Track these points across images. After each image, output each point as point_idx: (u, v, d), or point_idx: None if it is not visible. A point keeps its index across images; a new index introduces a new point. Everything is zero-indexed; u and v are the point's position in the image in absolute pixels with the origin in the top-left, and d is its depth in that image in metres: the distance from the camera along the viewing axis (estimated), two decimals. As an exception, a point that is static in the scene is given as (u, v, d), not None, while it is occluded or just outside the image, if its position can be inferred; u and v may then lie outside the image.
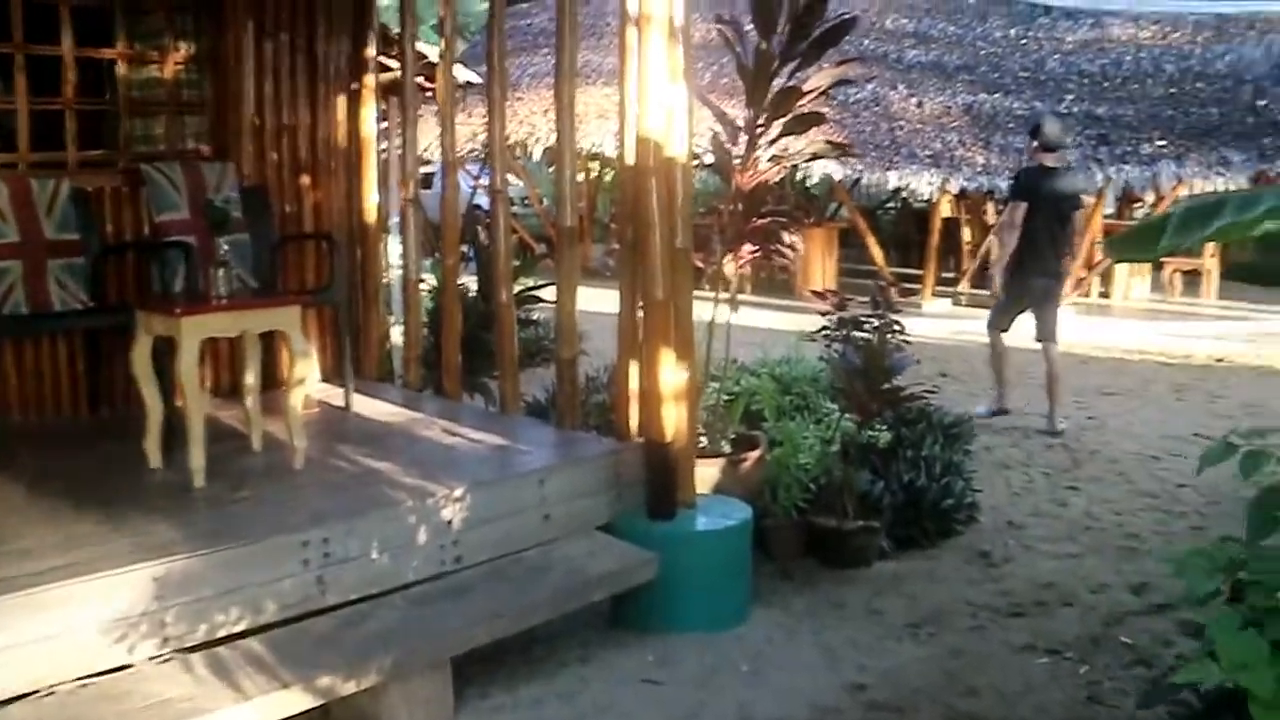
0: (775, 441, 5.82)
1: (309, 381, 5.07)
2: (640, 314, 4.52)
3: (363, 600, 3.77)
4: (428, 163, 16.78)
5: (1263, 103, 12.71)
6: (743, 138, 5.39)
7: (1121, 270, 14.73)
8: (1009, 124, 13.00)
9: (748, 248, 5.58)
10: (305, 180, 6.31)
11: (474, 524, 4.06)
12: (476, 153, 14.07)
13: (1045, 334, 8.15)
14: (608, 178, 18.88)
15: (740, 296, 6.56)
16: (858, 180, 15.22)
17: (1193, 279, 15.12)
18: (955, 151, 12.55)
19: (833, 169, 12.51)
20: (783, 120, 5.31)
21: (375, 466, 4.61)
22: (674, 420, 4.43)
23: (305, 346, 4.63)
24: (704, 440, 5.44)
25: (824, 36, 5.20)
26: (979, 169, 12.23)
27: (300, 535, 3.65)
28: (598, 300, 6.29)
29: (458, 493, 4.04)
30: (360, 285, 6.53)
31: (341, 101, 6.40)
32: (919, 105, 13.52)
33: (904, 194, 14.75)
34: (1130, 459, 7.27)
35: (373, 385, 6.34)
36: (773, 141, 5.41)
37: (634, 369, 4.58)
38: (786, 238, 5.62)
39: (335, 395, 5.98)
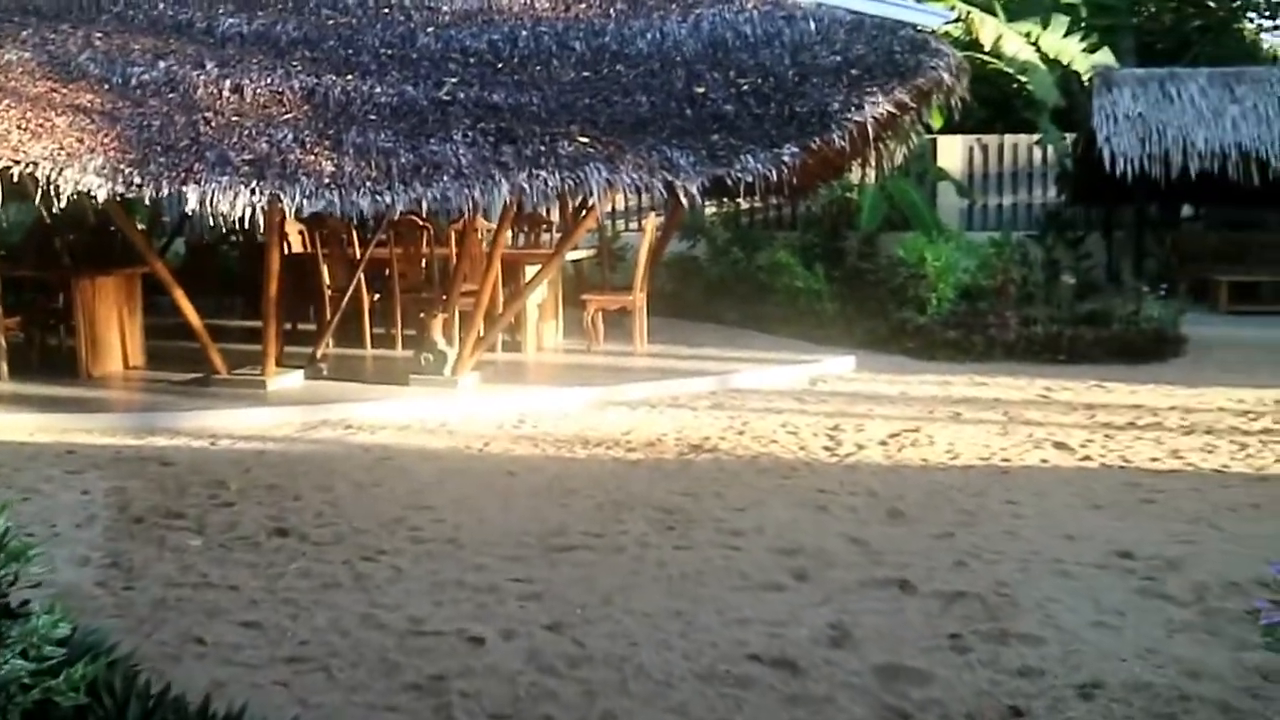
0: None
1: None
2: None
3: None
4: None
5: (700, 90, 9.56)
6: None
7: (532, 312, 11.15)
8: (368, 114, 8.86)
9: None
10: None
11: None
12: None
13: None
14: None
15: None
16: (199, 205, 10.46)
17: (617, 318, 11.82)
18: (289, 155, 8.19)
19: (92, 183, 7.70)
20: None
21: None
22: None
23: None
24: None
25: None
26: (325, 180, 7.95)
27: None
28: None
29: None
30: None
31: None
32: (236, 91, 9.04)
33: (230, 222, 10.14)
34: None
35: None
36: None
37: None
38: None
39: None
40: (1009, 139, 16.72)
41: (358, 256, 10.96)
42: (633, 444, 7.59)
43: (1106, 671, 3.99)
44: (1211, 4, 23.73)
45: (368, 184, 7.99)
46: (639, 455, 7.32)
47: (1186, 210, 16.13)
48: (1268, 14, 24.82)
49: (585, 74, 9.82)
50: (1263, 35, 24.86)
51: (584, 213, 9.74)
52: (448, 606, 4.67)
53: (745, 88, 9.59)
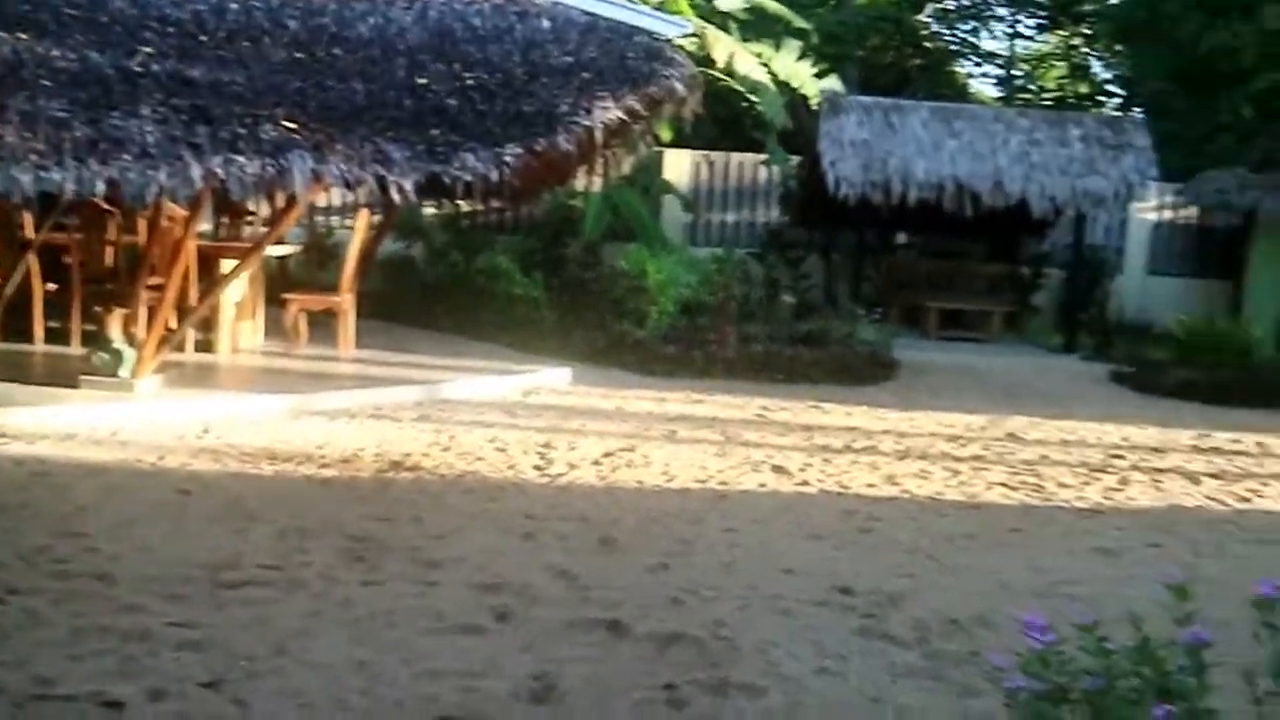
0: None
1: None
2: None
3: None
4: None
5: (423, 81, 8.98)
6: None
7: (228, 310, 10.23)
8: (41, 79, 7.86)
9: None
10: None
11: None
12: None
13: None
14: None
15: None
16: None
17: (324, 320, 11.01)
18: (-62, 118, 7.13)
19: None
20: None
21: None
22: None
23: None
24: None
25: None
26: (-21, 149, 6.94)
27: None
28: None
29: None
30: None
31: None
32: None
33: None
34: None
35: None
36: None
37: None
38: None
39: None
40: (736, 157, 16.80)
41: (29, 237, 9.81)
42: (326, 460, 6.92)
43: (829, 728, 3.68)
44: (929, 45, 25.06)
45: (32, 158, 7.02)
46: (332, 473, 6.66)
47: (902, 237, 16.59)
48: (977, 61, 26.66)
49: (298, 55, 9.06)
50: (970, 80, 26.66)
51: (289, 205, 8.95)
52: (87, 660, 3.93)
53: (470, 83, 9.08)
